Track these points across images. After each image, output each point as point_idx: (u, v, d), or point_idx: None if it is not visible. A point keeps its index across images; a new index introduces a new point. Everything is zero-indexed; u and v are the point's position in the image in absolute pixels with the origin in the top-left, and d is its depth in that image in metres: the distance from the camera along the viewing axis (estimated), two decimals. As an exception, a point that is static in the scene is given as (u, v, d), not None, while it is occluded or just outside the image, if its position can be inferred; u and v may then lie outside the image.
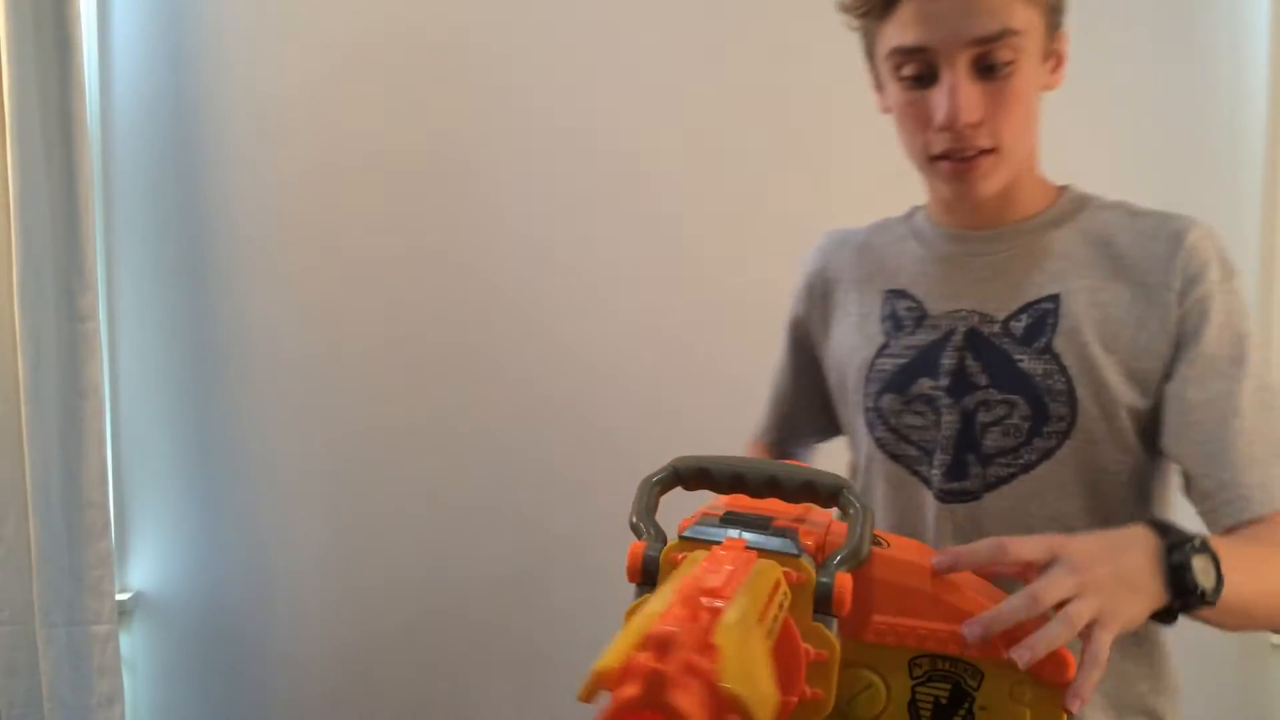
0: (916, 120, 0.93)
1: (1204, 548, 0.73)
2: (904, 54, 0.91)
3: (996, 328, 0.97)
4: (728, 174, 1.82)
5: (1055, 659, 0.63)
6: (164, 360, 1.95)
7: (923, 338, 1.01)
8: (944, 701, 0.67)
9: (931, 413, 0.99)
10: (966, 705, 0.66)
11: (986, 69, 0.89)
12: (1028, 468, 0.94)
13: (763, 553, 0.64)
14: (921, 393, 1.00)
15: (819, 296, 1.14)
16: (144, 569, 1.98)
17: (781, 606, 0.59)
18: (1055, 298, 0.95)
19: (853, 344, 1.08)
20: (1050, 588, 0.65)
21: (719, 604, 0.52)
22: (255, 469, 1.95)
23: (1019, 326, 0.96)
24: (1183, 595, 0.71)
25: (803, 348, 1.17)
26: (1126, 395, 0.92)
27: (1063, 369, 0.93)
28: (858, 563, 0.66)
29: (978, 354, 0.97)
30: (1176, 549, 0.72)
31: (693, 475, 0.74)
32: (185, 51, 1.92)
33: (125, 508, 1.97)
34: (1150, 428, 0.94)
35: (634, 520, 0.71)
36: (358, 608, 1.94)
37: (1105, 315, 0.93)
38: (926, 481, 1.00)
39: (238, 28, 1.92)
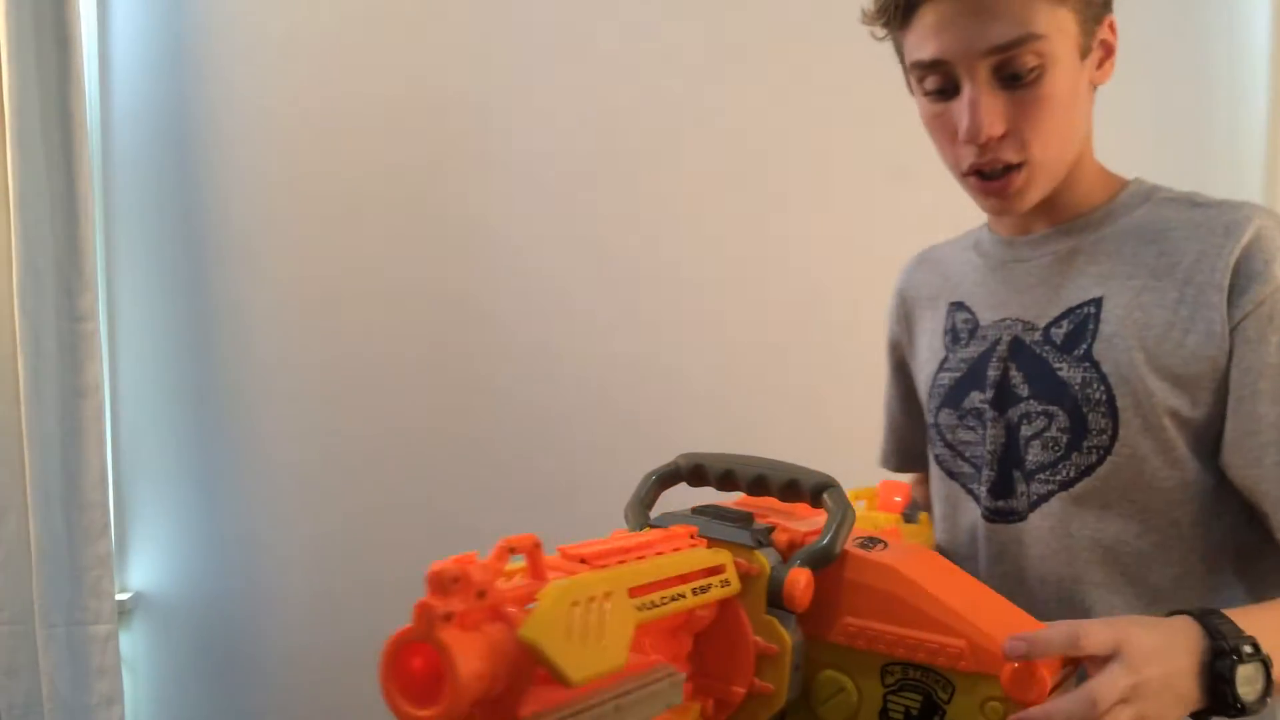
0: (944, 133, 0.89)
1: (1255, 654, 0.67)
2: (923, 68, 0.87)
3: (1038, 335, 0.92)
4: (721, 176, 1.81)
5: (1032, 678, 0.61)
6: (164, 360, 1.96)
7: (974, 349, 0.98)
8: (915, 713, 0.65)
9: (981, 426, 0.95)
10: (937, 718, 0.65)
11: (1011, 77, 0.83)
12: (1067, 484, 0.88)
13: (714, 541, 0.66)
14: (972, 406, 0.96)
15: (903, 318, 1.11)
16: (144, 569, 1.98)
17: (700, 591, 0.60)
18: (1098, 301, 0.89)
19: (924, 360, 1.06)
20: (1109, 691, 0.62)
21: (578, 567, 0.55)
22: (255, 469, 1.95)
23: (1059, 333, 0.91)
24: (1221, 707, 0.67)
25: (902, 372, 1.14)
26: (1173, 404, 0.85)
27: (1102, 377, 0.87)
28: (822, 561, 0.66)
29: (1020, 364, 0.92)
30: (1221, 658, 0.67)
31: (691, 470, 0.75)
32: (185, 51, 1.92)
33: (125, 508, 1.97)
34: (1206, 440, 0.86)
35: (626, 510, 0.73)
36: (357, 607, 1.94)
37: (1149, 318, 0.86)
38: (978, 500, 0.96)
39: (238, 28, 1.91)
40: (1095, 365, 0.88)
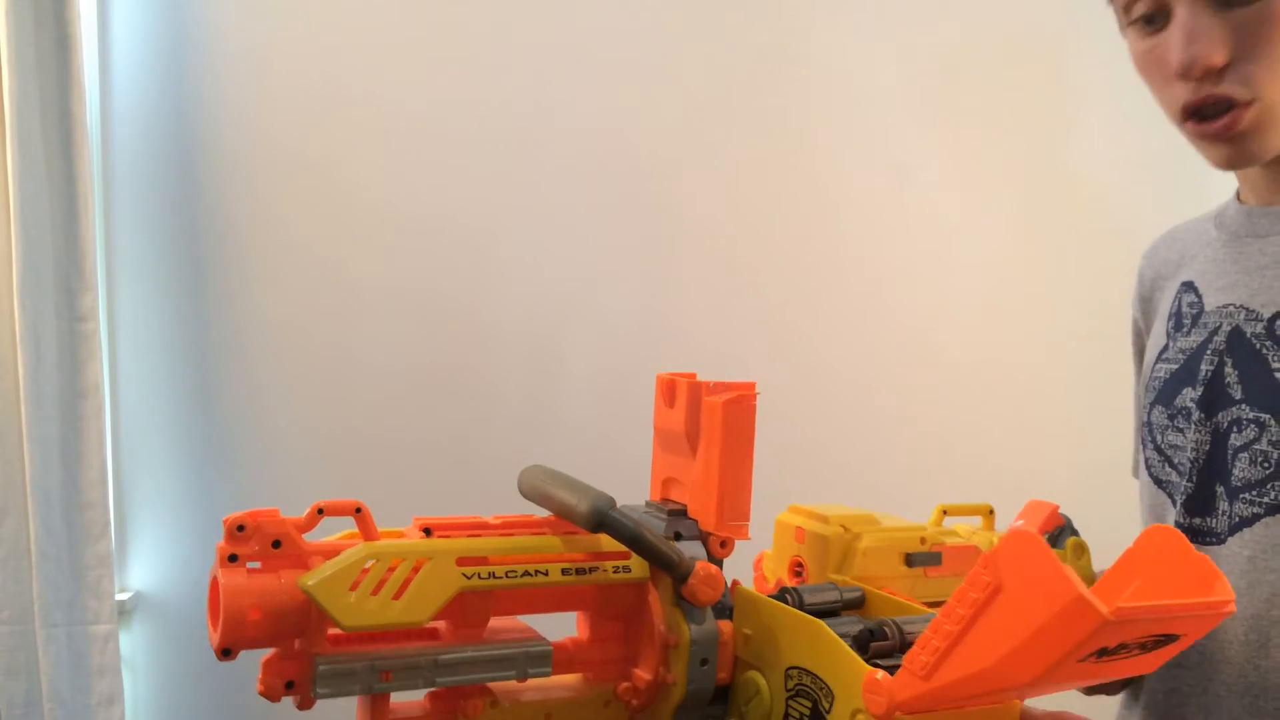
0: (1157, 72, 0.76)
1: None
2: None
3: (1260, 327, 0.78)
4: (728, 175, 1.81)
5: (878, 689, 0.57)
6: (164, 360, 1.95)
7: (1194, 338, 0.84)
8: (806, 719, 0.63)
9: (1191, 429, 0.82)
10: None
11: None
12: (1275, 509, 0.75)
13: None
14: (1183, 405, 0.83)
15: (1141, 301, 0.98)
16: (144, 569, 1.98)
17: (581, 572, 0.63)
18: None
19: (1150, 348, 0.92)
20: None
21: (416, 534, 0.64)
22: (256, 469, 1.95)
23: None
24: None
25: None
26: None
27: None
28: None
29: (1237, 359, 0.79)
30: None
31: None
32: (185, 51, 1.92)
33: (125, 508, 1.97)
34: None
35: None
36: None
37: None
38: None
39: (239, 27, 1.91)
40: None
